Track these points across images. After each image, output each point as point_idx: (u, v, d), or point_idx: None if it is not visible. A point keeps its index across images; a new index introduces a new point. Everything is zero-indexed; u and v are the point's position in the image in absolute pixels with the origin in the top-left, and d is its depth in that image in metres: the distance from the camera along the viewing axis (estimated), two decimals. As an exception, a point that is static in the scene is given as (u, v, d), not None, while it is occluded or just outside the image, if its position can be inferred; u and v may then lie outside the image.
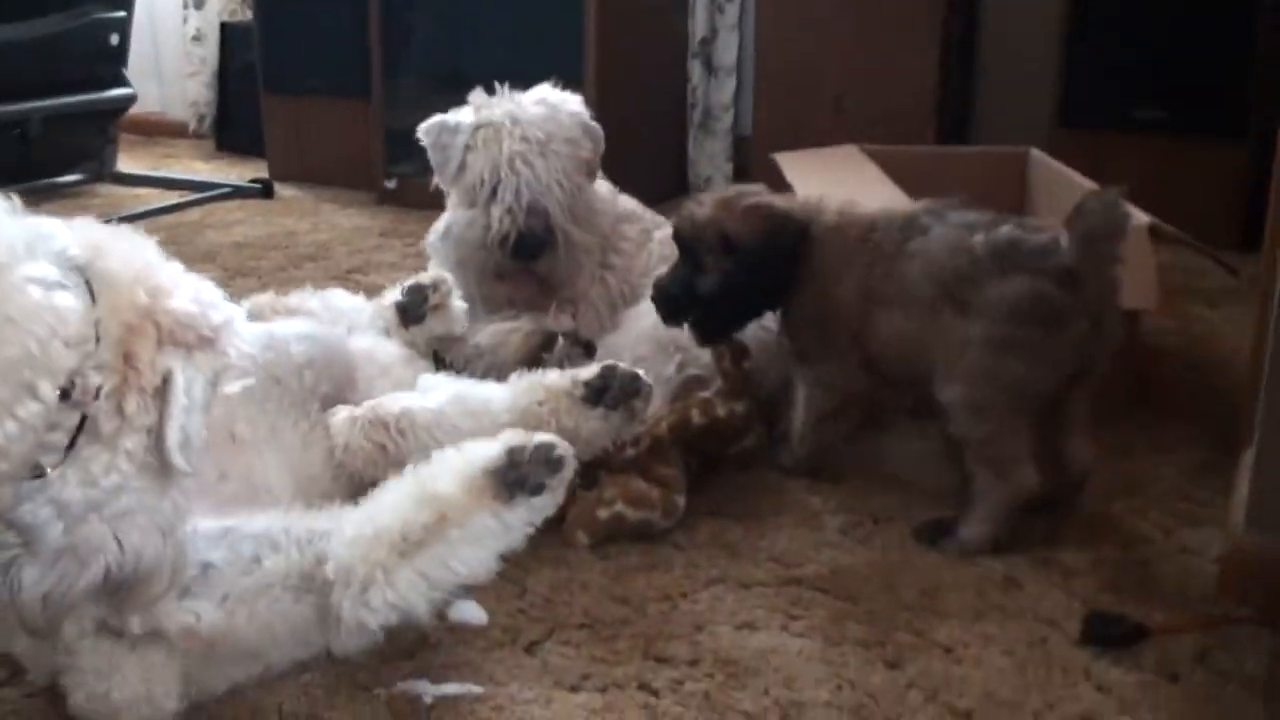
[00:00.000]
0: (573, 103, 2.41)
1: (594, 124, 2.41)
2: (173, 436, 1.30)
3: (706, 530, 1.88)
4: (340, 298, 2.27)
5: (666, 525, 1.86)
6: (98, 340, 1.26)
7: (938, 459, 2.03)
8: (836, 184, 2.43)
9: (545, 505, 1.47)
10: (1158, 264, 2.16)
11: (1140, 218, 2.30)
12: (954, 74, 3.93)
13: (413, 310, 2.15)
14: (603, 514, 1.83)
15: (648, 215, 2.53)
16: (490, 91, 2.39)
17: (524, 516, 1.45)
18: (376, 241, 3.70)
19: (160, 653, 1.39)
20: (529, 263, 2.32)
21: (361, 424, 1.77)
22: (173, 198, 4.27)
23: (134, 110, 4.70)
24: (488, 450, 1.46)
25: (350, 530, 1.44)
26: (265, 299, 2.21)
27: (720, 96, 4.34)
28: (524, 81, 2.46)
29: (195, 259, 1.38)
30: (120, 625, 1.38)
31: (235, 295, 2.19)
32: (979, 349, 1.76)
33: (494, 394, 1.84)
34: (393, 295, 2.20)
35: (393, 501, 1.46)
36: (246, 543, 1.45)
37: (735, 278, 1.95)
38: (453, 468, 1.46)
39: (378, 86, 4.14)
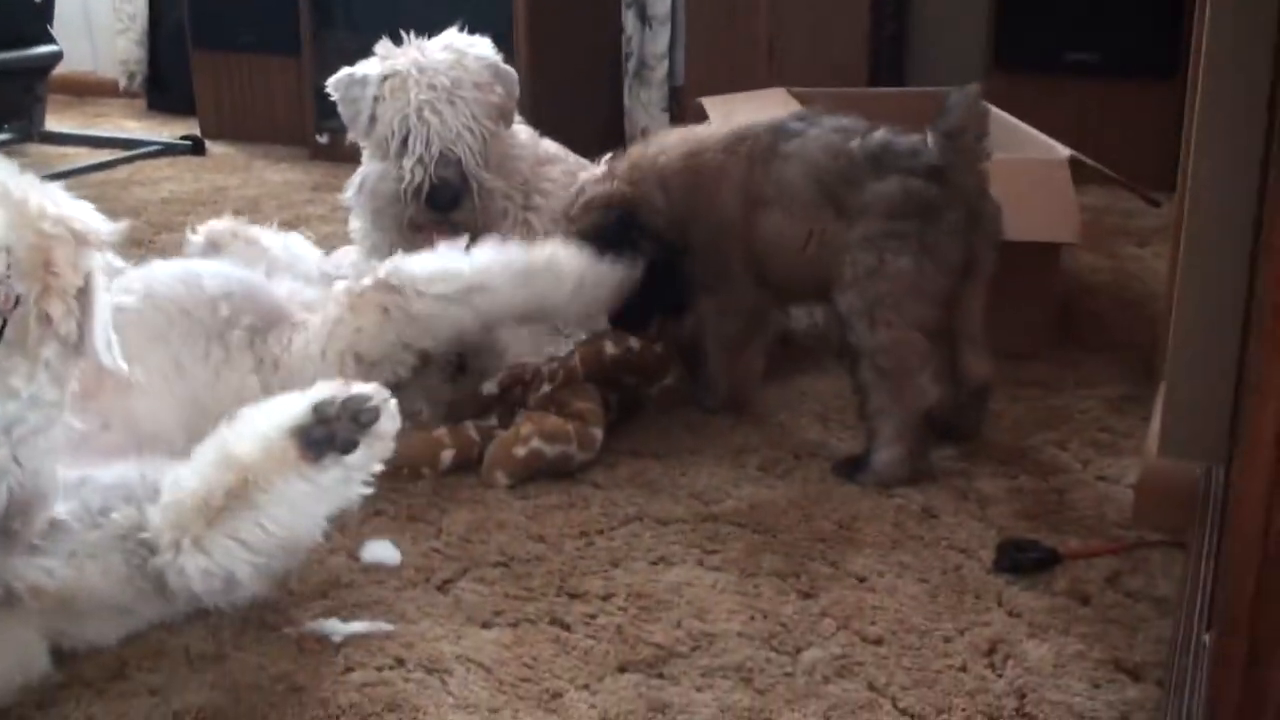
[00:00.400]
0: (480, 46, 2.35)
1: (506, 67, 2.36)
2: (100, 337, 1.30)
3: (626, 469, 1.87)
4: (298, 242, 2.28)
5: (585, 458, 1.85)
6: (8, 250, 1.25)
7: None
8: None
9: (364, 461, 1.36)
10: (1094, 205, 2.17)
11: (1061, 151, 2.30)
12: (887, 18, 3.91)
13: None
14: (520, 452, 1.81)
15: (571, 158, 2.49)
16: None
17: (339, 475, 1.35)
18: (308, 196, 3.64)
19: (14, 619, 1.33)
20: (445, 213, 2.28)
21: (360, 289, 1.80)
22: (102, 156, 4.19)
23: (65, 69, 4.61)
24: (293, 407, 1.36)
25: (165, 494, 1.37)
26: (225, 224, 2.20)
27: (654, 47, 4.30)
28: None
29: (120, 215, 1.36)
30: None
31: (161, 249, 2.18)
32: (861, 249, 1.79)
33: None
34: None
35: (199, 465, 1.37)
36: (97, 495, 1.40)
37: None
38: (256, 428, 1.37)
39: (308, 41, 4.07)
